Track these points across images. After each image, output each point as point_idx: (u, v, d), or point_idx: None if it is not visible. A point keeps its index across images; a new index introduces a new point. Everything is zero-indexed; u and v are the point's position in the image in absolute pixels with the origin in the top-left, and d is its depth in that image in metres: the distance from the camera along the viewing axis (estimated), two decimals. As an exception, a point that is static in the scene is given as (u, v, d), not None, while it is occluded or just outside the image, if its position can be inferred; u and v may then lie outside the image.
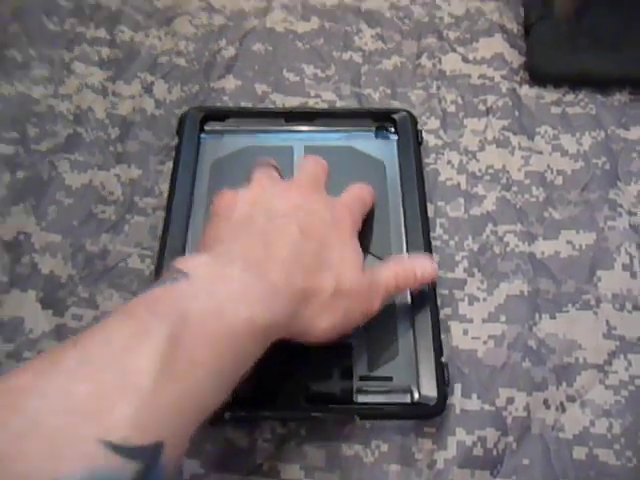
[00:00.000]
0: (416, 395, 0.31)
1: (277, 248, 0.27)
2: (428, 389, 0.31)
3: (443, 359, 0.32)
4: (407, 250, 0.35)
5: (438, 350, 0.32)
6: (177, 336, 0.21)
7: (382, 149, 0.39)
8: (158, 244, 0.35)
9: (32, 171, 0.39)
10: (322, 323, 0.27)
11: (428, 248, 0.35)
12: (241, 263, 0.25)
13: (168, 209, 0.36)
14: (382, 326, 0.33)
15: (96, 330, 0.22)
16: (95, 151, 0.40)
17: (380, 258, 0.35)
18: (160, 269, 0.34)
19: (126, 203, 0.38)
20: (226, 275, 0.24)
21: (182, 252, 0.35)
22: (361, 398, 0.31)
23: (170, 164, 0.39)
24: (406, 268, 0.31)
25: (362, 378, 0.31)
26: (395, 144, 0.39)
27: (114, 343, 0.21)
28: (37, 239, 0.37)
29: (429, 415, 0.31)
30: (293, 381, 0.31)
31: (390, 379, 0.31)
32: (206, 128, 0.40)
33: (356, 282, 0.28)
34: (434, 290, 0.34)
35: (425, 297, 0.33)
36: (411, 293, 0.34)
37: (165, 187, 0.38)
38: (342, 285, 0.28)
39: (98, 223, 0.38)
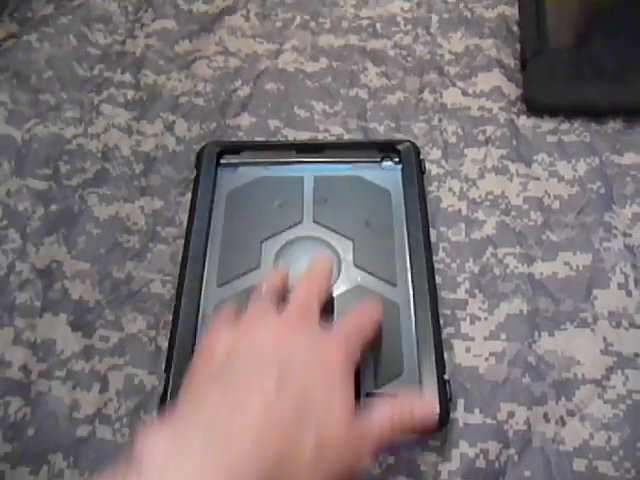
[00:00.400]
0: None
1: (248, 411, 0.24)
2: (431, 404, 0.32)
3: (445, 376, 0.33)
4: (411, 272, 0.37)
5: (441, 367, 0.33)
6: None
7: (387, 178, 0.42)
8: (178, 270, 0.38)
9: (64, 204, 0.43)
10: None
11: (431, 270, 0.37)
12: (202, 438, 0.23)
13: (187, 237, 0.39)
14: (387, 345, 0.35)
15: None
16: (121, 185, 0.44)
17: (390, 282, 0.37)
18: (181, 293, 0.36)
19: (149, 233, 0.41)
20: (183, 456, 0.22)
21: (200, 276, 0.37)
22: None
23: (189, 195, 0.42)
24: (403, 413, 0.28)
25: (369, 395, 0.33)
26: (399, 173, 0.42)
27: None
28: (68, 267, 0.40)
29: (432, 430, 0.32)
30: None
31: (395, 396, 0.33)
32: (222, 161, 0.43)
33: (344, 435, 0.26)
34: (437, 311, 0.36)
35: (428, 317, 0.35)
36: (415, 313, 0.35)
37: (185, 217, 0.41)
38: (326, 438, 0.25)
39: (123, 251, 0.41)
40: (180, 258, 0.38)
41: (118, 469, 0.23)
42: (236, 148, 0.44)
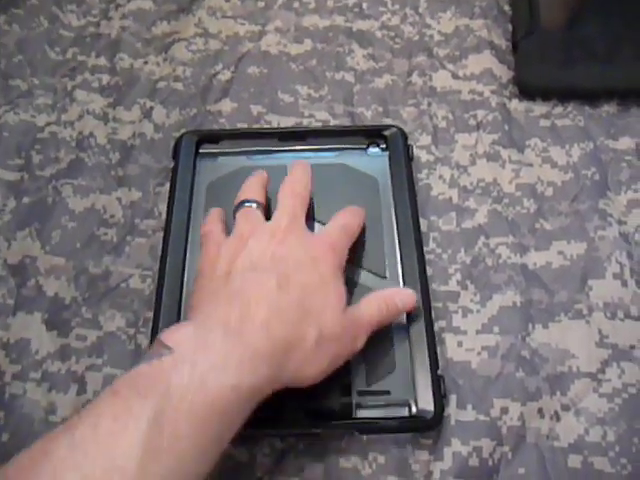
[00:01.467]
0: (414, 408, 0.31)
1: (255, 307, 0.27)
2: (425, 402, 0.31)
3: (439, 372, 0.32)
4: (401, 264, 0.36)
5: (434, 363, 0.32)
6: (160, 413, 0.22)
7: (374, 165, 0.40)
8: (158, 264, 0.36)
9: (37, 196, 0.41)
10: (309, 371, 0.28)
11: (421, 261, 0.36)
12: (221, 329, 0.26)
13: (166, 231, 0.37)
14: (379, 341, 0.33)
15: (85, 413, 0.23)
16: (97, 175, 0.42)
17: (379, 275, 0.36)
18: (161, 289, 0.35)
19: (127, 225, 0.40)
20: (208, 345, 0.25)
21: (181, 272, 0.36)
22: (360, 413, 0.31)
23: (168, 186, 0.40)
24: (388, 301, 0.32)
25: (360, 393, 0.32)
26: (386, 160, 0.40)
27: (101, 426, 0.22)
28: (42, 262, 0.38)
29: (427, 428, 0.32)
30: (293, 398, 0.31)
31: (388, 393, 0.32)
32: (201, 151, 0.41)
33: (339, 325, 0.29)
34: (429, 304, 0.34)
35: (420, 311, 0.34)
36: None
37: (164, 208, 0.39)
38: (325, 331, 0.28)
39: (100, 245, 0.39)
40: (160, 252, 0.37)
41: (149, 353, 0.25)
42: (215, 137, 0.42)
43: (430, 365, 0.32)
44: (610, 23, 0.46)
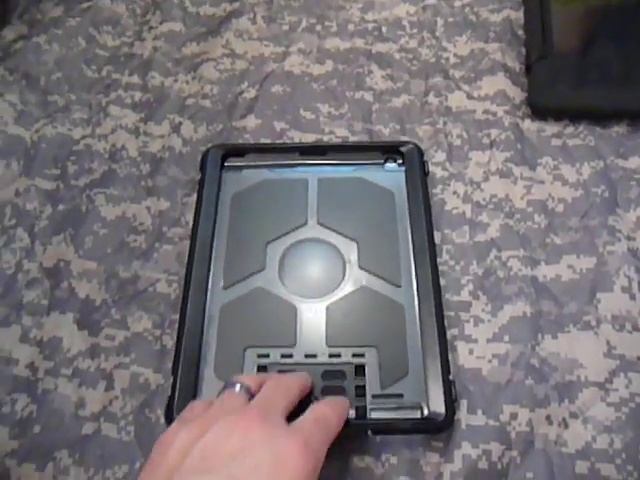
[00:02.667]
0: (425, 411, 0.33)
1: None
2: (437, 405, 0.33)
3: (450, 377, 0.34)
4: (415, 274, 0.37)
5: (446, 368, 0.34)
6: None
7: (391, 179, 0.42)
8: (184, 270, 0.38)
9: (71, 204, 0.43)
10: None
11: (435, 271, 0.37)
12: None
13: (193, 239, 0.39)
14: (393, 347, 0.35)
15: None
16: (128, 186, 0.44)
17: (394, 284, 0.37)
18: (187, 293, 0.37)
19: (155, 233, 0.42)
20: None
21: (206, 278, 0.38)
22: (374, 414, 0.33)
23: (195, 196, 0.42)
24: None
25: (375, 396, 0.33)
26: (403, 174, 0.42)
27: None
28: (75, 266, 0.40)
29: (438, 430, 0.33)
30: (309, 399, 0.33)
31: (401, 396, 0.34)
32: (226, 164, 0.43)
33: None
34: (441, 313, 0.36)
35: (433, 318, 0.35)
36: (419, 314, 0.36)
37: (190, 217, 0.41)
38: None
39: (130, 251, 0.41)
40: (186, 259, 0.39)
41: None
42: (240, 151, 0.44)
43: (442, 370, 0.34)
44: (623, 46, 0.48)
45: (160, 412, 0.35)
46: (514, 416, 0.34)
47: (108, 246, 0.41)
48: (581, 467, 0.32)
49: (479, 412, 0.34)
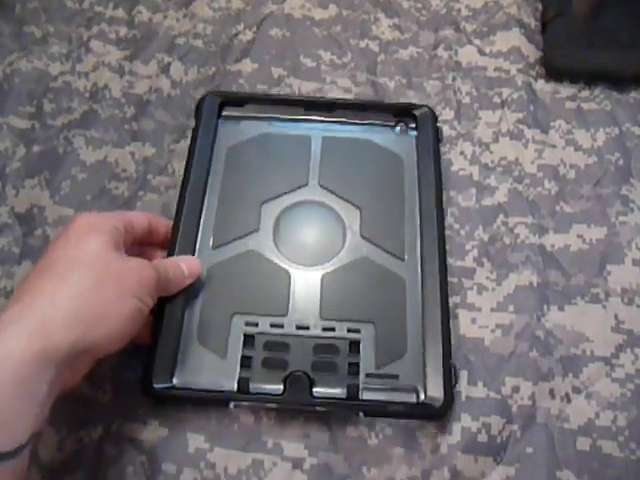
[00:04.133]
0: (422, 395, 0.31)
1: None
2: (434, 390, 0.30)
3: (451, 361, 0.31)
4: (421, 247, 0.34)
5: (447, 351, 0.31)
6: None
7: (401, 144, 0.39)
8: (171, 223, 0.35)
9: (47, 146, 0.40)
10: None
11: (442, 247, 0.34)
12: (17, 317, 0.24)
13: (182, 192, 0.36)
14: (391, 324, 0.33)
15: None
16: (110, 128, 0.41)
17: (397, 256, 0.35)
18: (173, 247, 0.34)
19: (139, 180, 0.39)
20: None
21: (194, 235, 0.35)
22: (366, 395, 0.31)
23: (184, 144, 0.39)
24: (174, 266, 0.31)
25: (368, 375, 0.31)
26: (414, 140, 0.39)
27: None
28: (50, 212, 0.37)
29: (434, 417, 0.31)
30: (299, 375, 0.31)
31: (396, 377, 0.31)
32: (224, 113, 0.40)
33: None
34: (446, 290, 0.33)
35: (437, 296, 0.33)
36: (422, 291, 0.33)
37: (178, 166, 0.38)
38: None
39: (111, 199, 0.38)
40: (173, 211, 0.36)
41: None
42: (240, 100, 0.40)
43: (443, 352, 0.31)
44: (632, 14, 0.45)
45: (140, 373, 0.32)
46: (516, 389, 0.32)
47: (87, 192, 0.38)
48: (583, 443, 0.31)
49: (480, 384, 0.32)
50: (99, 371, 0.32)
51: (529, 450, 0.31)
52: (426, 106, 0.40)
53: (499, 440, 0.31)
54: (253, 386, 0.31)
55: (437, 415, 0.31)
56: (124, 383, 0.32)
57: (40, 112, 0.41)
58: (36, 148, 0.40)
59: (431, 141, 0.38)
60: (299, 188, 0.37)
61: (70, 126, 0.41)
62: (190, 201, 0.35)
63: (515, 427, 0.31)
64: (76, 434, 0.31)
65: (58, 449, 0.30)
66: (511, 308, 0.34)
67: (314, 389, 0.31)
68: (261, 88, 0.43)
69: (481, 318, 0.34)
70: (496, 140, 0.41)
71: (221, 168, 0.37)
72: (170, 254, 0.34)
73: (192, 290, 0.33)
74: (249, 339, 0.32)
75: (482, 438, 0.31)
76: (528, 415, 0.32)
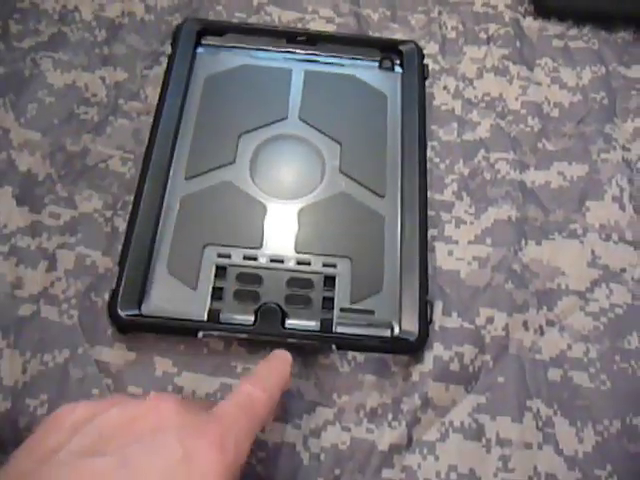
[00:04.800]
0: (396, 330, 0.30)
1: None
2: (409, 324, 0.30)
3: (427, 297, 0.31)
4: (401, 185, 0.34)
5: (424, 287, 0.31)
6: None
7: (385, 81, 0.38)
8: (142, 150, 0.34)
9: (12, 67, 0.38)
10: None
11: (424, 187, 0.34)
12: None
13: (156, 119, 0.34)
14: (368, 260, 0.32)
15: None
16: (80, 52, 0.39)
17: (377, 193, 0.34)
18: (144, 178, 0.32)
19: (110, 105, 0.37)
20: None
21: (167, 164, 0.33)
22: (340, 329, 0.30)
23: (158, 70, 0.38)
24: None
25: (343, 310, 0.31)
26: (399, 77, 0.38)
27: None
28: (15, 136, 0.36)
29: (407, 351, 0.31)
30: (271, 306, 0.30)
31: (372, 312, 0.31)
32: (203, 42, 0.38)
33: None
34: (425, 227, 0.33)
35: (415, 233, 0.32)
36: (401, 228, 0.33)
37: (151, 92, 0.37)
38: None
39: (80, 123, 0.36)
40: (146, 138, 0.34)
41: None
42: (219, 28, 0.39)
43: (419, 289, 0.31)
44: None
45: (107, 297, 0.31)
46: (490, 320, 0.32)
47: (54, 116, 0.36)
48: (554, 374, 0.31)
49: (454, 315, 0.32)
50: (65, 295, 0.31)
51: (500, 380, 0.31)
52: (413, 42, 0.39)
53: (471, 369, 0.31)
54: (223, 316, 0.30)
55: (411, 349, 0.30)
56: (91, 308, 0.31)
57: (5, 33, 0.39)
58: (1, 70, 0.38)
59: (417, 78, 0.37)
60: (278, 121, 0.36)
61: (37, 48, 0.39)
62: (163, 129, 0.34)
63: (487, 357, 0.31)
64: (40, 357, 0.30)
65: (22, 371, 0.30)
66: (488, 241, 0.34)
67: (287, 321, 0.30)
68: (239, 16, 0.41)
69: (458, 251, 0.34)
70: (480, 76, 0.40)
71: (198, 98, 0.36)
72: (140, 184, 0.32)
73: (164, 219, 0.32)
74: (221, 271, 0.31)
75: (454, 367, 0.31)
76: (501, 345, 0.31)
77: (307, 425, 0.29)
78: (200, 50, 0.38)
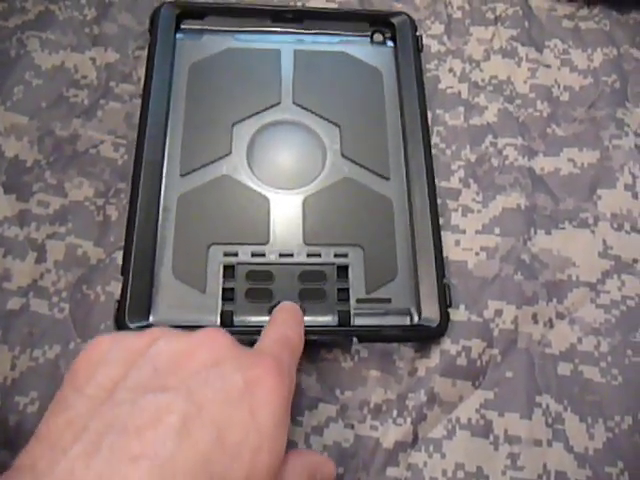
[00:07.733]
0: (415, 317, 0.29)
1: (140, 463, 0.16)
2: (429, 311, 0.29)
3: (445, 280, 0.30)
4: (406, 165, 0.33)
5: (440, 270, 0.30)
6: None
7: (378, 56, 0.36)
8: (135, 135, 0.32)
9: (-2, 47, 0.36)
10: None
11: (429, 163, 0.32)
12: None
13: (142, 114, 0.32)
14: (380, 246, 0.31)
15: None
16: (69, 31, 0.37)
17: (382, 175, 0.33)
18: (137, 181, 0.31)
19: (101, 88, 0.35)
20: None
21: (160, 161, 0.32)
22: (358, 321, 0.29)
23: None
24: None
25: (359, 300, 0.30)
26: (392, 51, 0.36)
27: None
28: (1, 120, 0.34)
29: (430, 338, 0.30)
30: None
31: (389, 301, 0.30)
32: (183, 27, 0.36)
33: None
34: (435, 208, 0.31)
35: (426, 213, 0.31)
36: (410, 209, 0.31)
37: (144, 74, 0.35)
38: None
39: (69, 107, 0.35)
40: (136, 120, 0.33)
41: None
42: (199, 11, 0.37)
43: (436, 272, 0.30)
44: None
45: (100, 289, 0.30)
46: (499, 313, 0.31)
47: (42, 99, 0.35)
48: (564, 368, 0.30)
49: (462, 307, 0.31)
50: (55, 287, 0.30)
51: (509, 374, 0.30)
52: (404, 13, 0.37)
53: (479, 364, 0.30)
54: (237, 319, 0.29)
55: (433, 336, 0.29)
56: (82, 300, 0.30)
57: (-10, 11, 0.37)
58: (-15, 50, 0.36)
59: (411, 51, 0.36)
60: (272, 107, 0.34)
61: (24, 27, 0.37)
62: (151, 126, 0.32)
63: (496, 351, 0.30)
64: (30, 353, 0.29)
65: (11, 368, 0.28)
66: (497, 231, 0.33)
67: (303, 318, 0.29)
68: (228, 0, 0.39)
69: (465, 241, 0.32)
70: (487, 58, 0.38)
71: (183, 88, 0.34)
72: (134, 186, 0.31)
73: (162, 222, 0.30)
74: (229, 270, 0.30)
75: (461, 362, 0.30)
76: (509, 339, 0.30)
77: (309, 422, 0.28)
78: (180, 35, 0.36)
